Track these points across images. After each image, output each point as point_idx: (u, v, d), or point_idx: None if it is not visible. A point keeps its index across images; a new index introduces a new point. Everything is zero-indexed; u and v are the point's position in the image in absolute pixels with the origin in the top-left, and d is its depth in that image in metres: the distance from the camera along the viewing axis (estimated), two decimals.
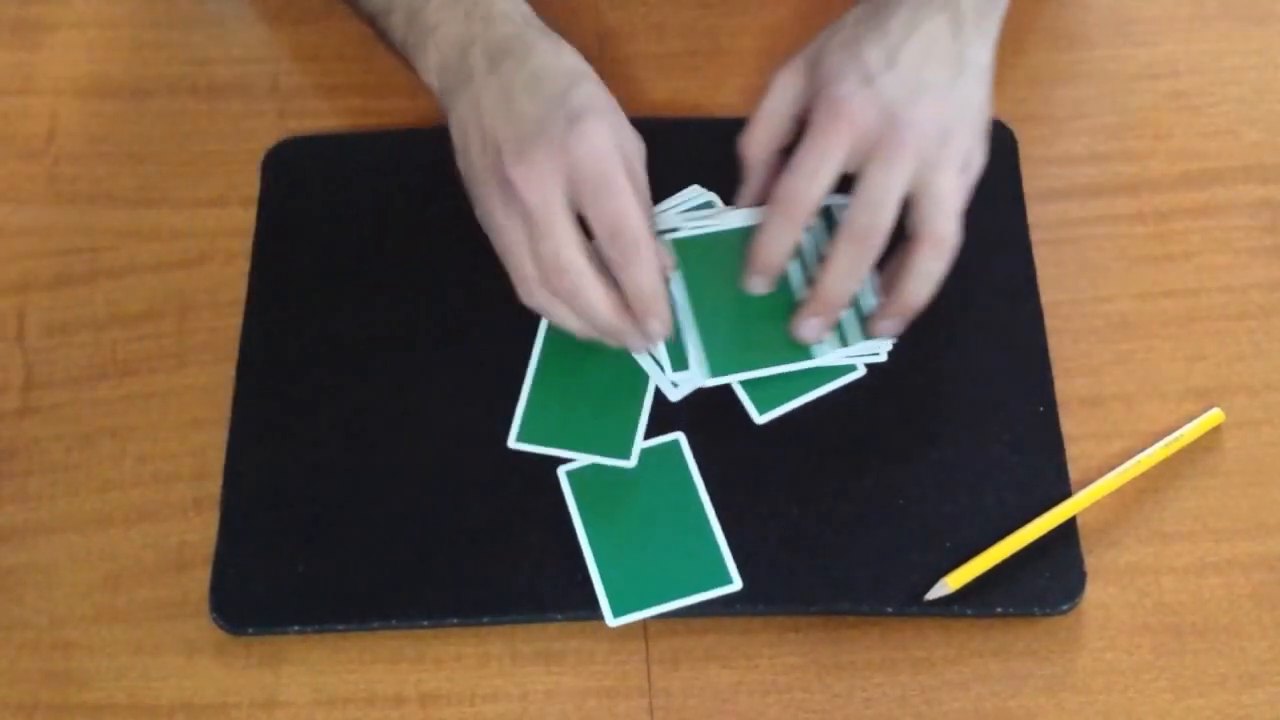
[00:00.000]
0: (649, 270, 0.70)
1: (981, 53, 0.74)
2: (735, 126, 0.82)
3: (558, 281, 0.70)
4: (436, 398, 0.76)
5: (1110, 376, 0.77)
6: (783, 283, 0.75)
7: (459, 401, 0.75)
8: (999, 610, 0.70)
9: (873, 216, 0.70)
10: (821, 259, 0.73)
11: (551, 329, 0.75)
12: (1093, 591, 0.71)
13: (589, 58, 0.87)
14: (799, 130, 0.73)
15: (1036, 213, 0.81)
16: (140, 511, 0.74)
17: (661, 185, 0.80)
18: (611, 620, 0.69)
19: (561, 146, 0.69)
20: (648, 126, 0.82)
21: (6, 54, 0.89)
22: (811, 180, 0.70)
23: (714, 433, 0.74)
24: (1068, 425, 0.74)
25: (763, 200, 0.74)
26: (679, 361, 0.74)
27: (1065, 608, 0.70)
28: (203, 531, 0.73)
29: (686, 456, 0.73)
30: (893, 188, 0.70)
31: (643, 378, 0.74)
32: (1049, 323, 0.77)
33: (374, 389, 0.76)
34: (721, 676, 0.70)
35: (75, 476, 0.75)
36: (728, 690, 0.70)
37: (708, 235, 0.77)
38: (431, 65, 0.75)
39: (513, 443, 0.73)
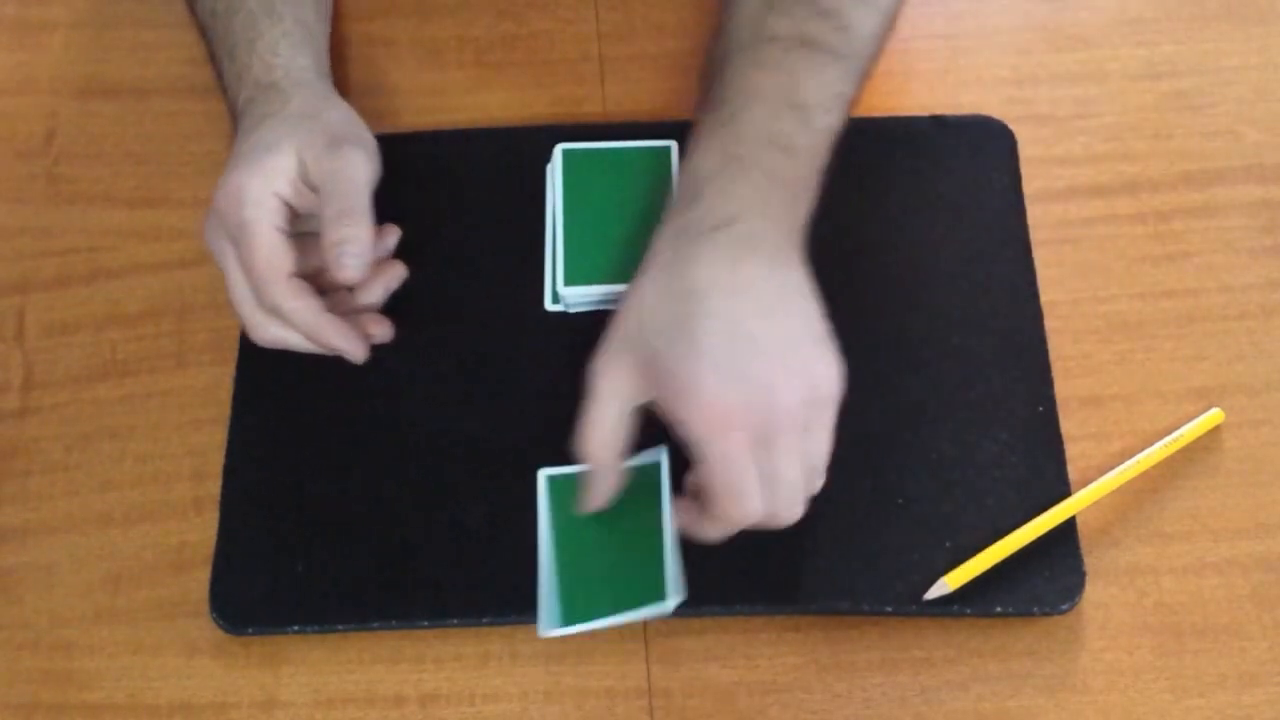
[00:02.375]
0: (296, 313, 0.71)
1: (797, 277, 0.67)
2: None
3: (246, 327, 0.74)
4: (435, 398, 0.76)
5: (1110, 376, 0.77)
6: (655, 204, 0.73)
7: (459, 402, 0.75)
8: (998, 610, 0.70)
9: (788, 507, 0.66)
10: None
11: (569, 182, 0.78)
12: (1092, 591, 0.71)
13: (589, 58, 0.87)
14: (636, 423, 0.68)
15: (1036, 213, 0.81)
16: (140, 511, 0.74)
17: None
18: (544, 630, 0.68)
19: (214, 205, 0.72)
20: (648, 127, 0.83)
21: (6, 54, 0.89)
22: (751, 498, 0.65)
23: None
24: (1067, 425, 0.74)
25: (612, 496, 0.70)
26: (555, 295, 0.76)
27: (1065, 608, 0.70)
28: (202, 531, 0.73)
29: (664, 478, 0.70)
30: (798, 470, 0.65)
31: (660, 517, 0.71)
32: (1049, 323, 0.77)
33: (373, 389, 0.76)
34: (721, 676, 0.70)
35: (75, 476, 0.76)
36: (728, 690, 0.70)
37: (595, 150, 0.79)
38: (230, 118, 0.79)
39: (563, 287, 0.75)
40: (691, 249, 0.66)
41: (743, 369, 0.64)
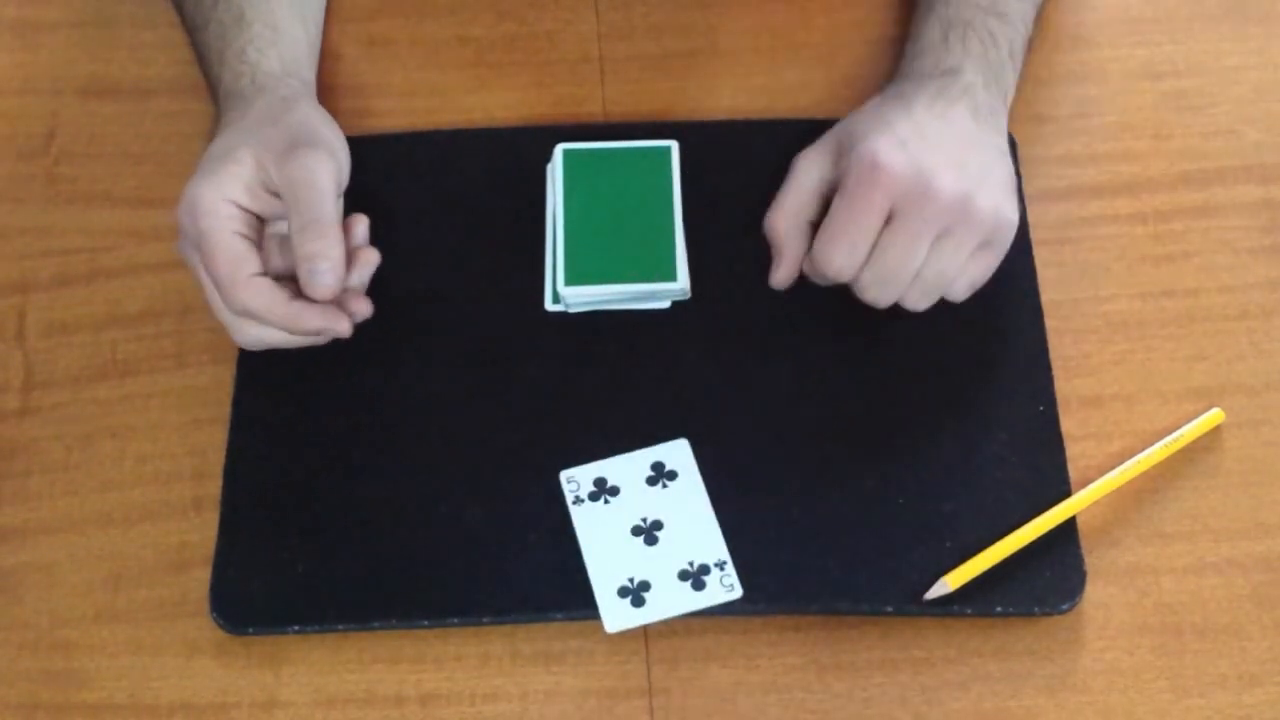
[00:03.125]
0: (267, 309, 0.71)
1: (1000, 139, 0.76)
2: (735, 127, 0.83)
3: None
4: (436, 398, 0.76)
5: (1110, 376, 0.77)
6: (655, 204, 0.77)
7: (459, 401, 0.75)
8: (999, 610, 0.70)
9: (883, 289, 0.73)
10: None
11: (570, 182, 0.78)
12: (1092, 591, 0.71)
13: (589, 58, 0.87)
14: (824, 209, 0.74)
15: (1037, 213, 0.81)
16: (140, 511, 0.74)
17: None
18: (559, 298, 0.74)
19: (178, 218, 0.72)
20: (648, 127, 0.83)
21: (6, 54, 0.89)
22: (853, 252, 0.72)
23: (715, 434, 0.74)
24: (1068, 425, 0.74)
25: (797, 273, 0.76)
26: (556, 295, 0.77)
27: (1065, 607, 0.70)
28: (203, 531, 0.73)
29: (674, 164, 0.78)
30: (909, 260, 0.72)
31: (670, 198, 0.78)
32: (1049, 323, 0.77)
33: (374, 389, 0.76)
34: (721, 676, 0.70)
35: (75, 476, 0.75)
36: (728, 690, 0.70)
37: (596, 150, 0.79)
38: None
39: (563, 287, 0.76)
40: (914, 87, 0.76)
41: (918, 152, 0.72)
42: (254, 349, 0.74)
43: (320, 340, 0.74)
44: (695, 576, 0.70)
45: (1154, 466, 0.74)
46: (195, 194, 0.71)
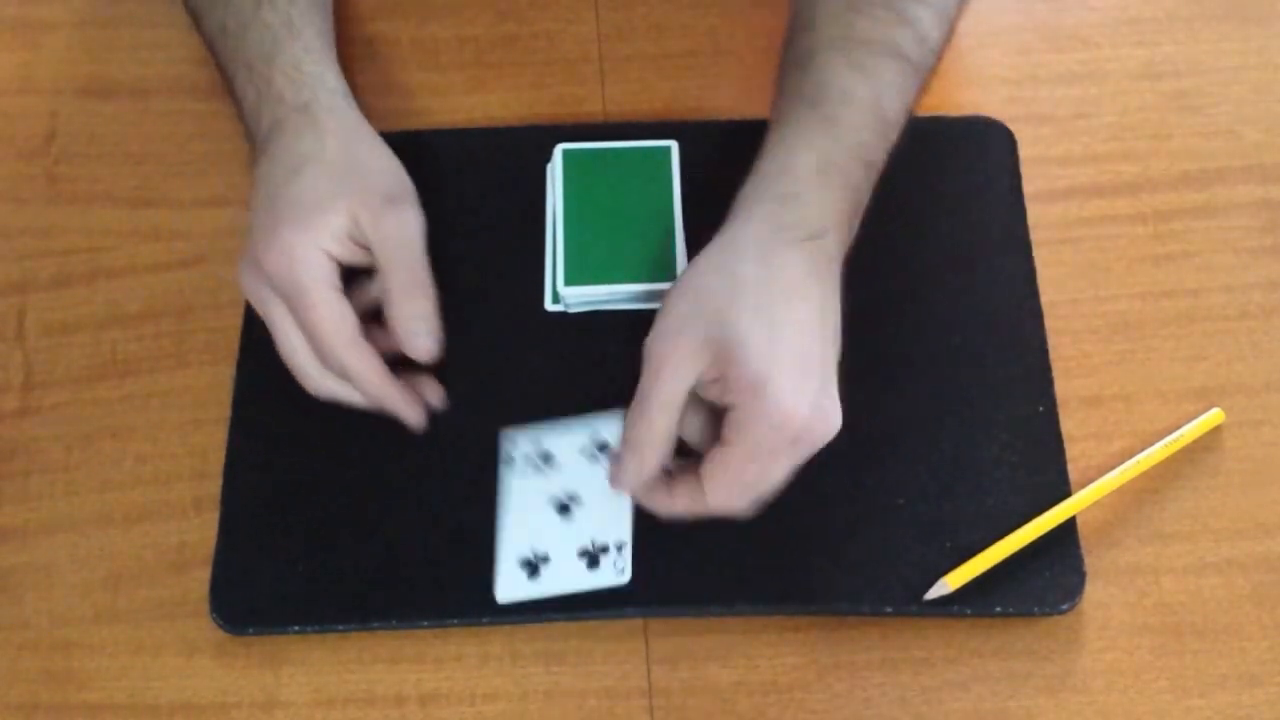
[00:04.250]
0: (363, 377, 0.70)
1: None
2: (735, 128, 0.83)
3: (304, 385, 0.73)
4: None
5: (1110, 376, 0.77)
6: (655, 204, 0.77)
7: (460, 400, 0.75)
8: (999, 610, 0.70)
9: (746, 502, 0.67)
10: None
11: (569, 182, 0.78)
12: (1092, 591, 0.71)
13: (589, 59, 0.87)
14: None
15: (1036, 213, 0.81)
16: (140, 511, 0.74)
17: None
18: (559, 297, 0.74)
19: (257, 265, 0.70)
20: (648, 127, 0.83)
21: (6, 54, 0.89)
22: (767, 482, 0.67)
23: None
24: (1068, 425, 0.74)
25: (650, 479, 0.69)
26: (556, 295, 0.77)
27: (1065, 608, 0.70)
28: (202, 531, 0.73)
29: (674, 163, 0.78)
30: (745, 478, 0.66)
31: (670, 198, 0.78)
32: (1049, 323, 0.77)
33: None
34: (721, 676, 0.70)
35: (75, 476, 0.76)
36: (728, 690, 0.70)
37: (596, 150, 0.79)
38: (246, 134, 0.77)
39: (563, 287, 0.75)
40: (786, 254, 0.67)
41: (811, 388, 0.65)
42: (322, 399, 0.73)
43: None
44: (592, 556, 0.70)
45: (1154, 467, 0.74)
46: (292, 241, 0.69)
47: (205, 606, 0.71)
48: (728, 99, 0.86)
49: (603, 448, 0.71)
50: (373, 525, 0.73)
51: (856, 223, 0.71)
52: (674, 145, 0.79)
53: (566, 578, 0.69)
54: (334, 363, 0.70)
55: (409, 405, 0.72)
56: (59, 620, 0.72)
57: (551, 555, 0.70)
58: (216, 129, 0.85)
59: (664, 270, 0.76)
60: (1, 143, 0.86)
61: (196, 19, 0.82)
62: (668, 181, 0.78)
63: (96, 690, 0.71)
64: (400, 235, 0.71)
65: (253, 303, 0.72)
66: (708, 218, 0.78)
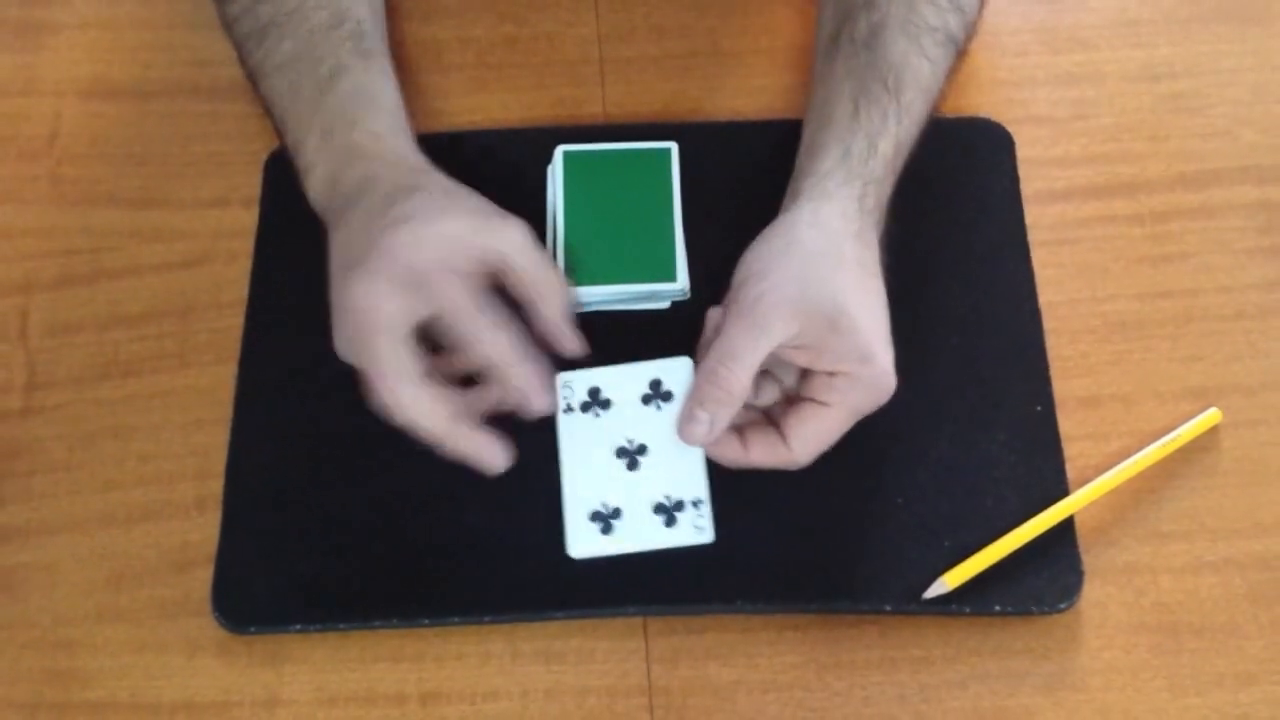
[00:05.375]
0: (418, 423, 0.68)
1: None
2: (735, 128, 0.83)
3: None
4: None
5: (1108, 376, 0.77)
6: (655, 205, 0.78)
7: None
8: (997, 609, 0.70)
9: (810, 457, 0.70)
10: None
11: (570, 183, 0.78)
12: (1090, 590, 0.71)
13: (589, 60, 0.87)
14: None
15: (1035, 214, 0.81)
16: (142, 511, 0.75)
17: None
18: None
19: (342, 311, 0.68)
20: (648, 128, 0.83)
21: (9, 55, 0.89)
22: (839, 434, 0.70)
23: None
24: (1066, 425, 0.75)
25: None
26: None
27: (1063, 606, 0.70)
28: (205, 531, 0.73)
29: (674, 165, 0.78)
30: (834, 436, 0.70)
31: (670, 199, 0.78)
32: (1047, 323, 0.78)
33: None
34: (721, 675, 0.70)
35: (78, 476, 0.76)
36: (728, 689, 0.70)
37: (596, 151, 0.79)
38: (312, 198, 0.74)
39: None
40: (872, 237, 0.72)
41: (892, 358, 0.69)
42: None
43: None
44: (669, 512, 0.69)
45: (1151, 466, 0.74)
46: (418, 245, 0.68)
47: (207, 605, 0.71)
48: (728, 100, 0.86)
49: (663, 395, 0.71)
50: (373, 525, 0.73)
51: (893, 175, 0.75)
52: (673, 147, 0.79)
53: (643, 535, 0.68)
54: (394, 415, 0.68)
55: (479, 448, 0.69)
56: (62, 619, 0.72)
57: (624, 510, 0.69)
58: (219, 130, 0.85)
59: (664, 270, 0.76)
60: (4, 143, 0.86)
61: (252, 64, 0.79)
62: (667, 183, 0.79)
63: (99, 689, 0.71)
64: (519, 247, 0.70)
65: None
66: (707, 218, 0.79)
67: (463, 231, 0.69)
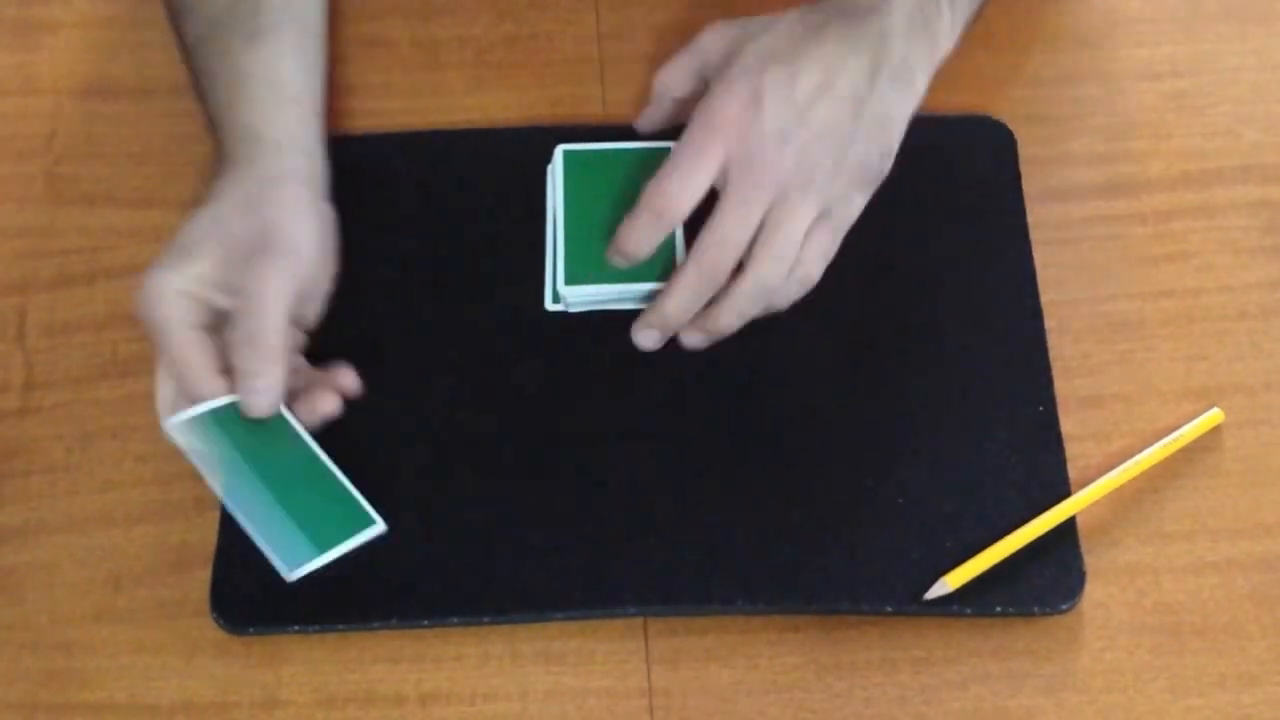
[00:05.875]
0: (200, 396, 0.70)
1: (892, 104, 0.72)
2: None
3: None
4: (435, 397, 0.76)
5: (1110, 376, 0.77)
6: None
7: (458, 401, 0.76)
8: (998, 610, 0.70)
9: (721, 253, 0.70)
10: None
11: (570, 181, 0.78)
12: (1092, 591, 0.71)
13: (589, 59, 0.87)
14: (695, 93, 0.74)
15: (1036, 213, 0.81)
16: (141, 511, 0.75)
17: None
18: (560, 292, 0.74)
19: (136, 295, 0.71)
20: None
21: (7, 54, 0.89)
22: (684, 184, 0.70)
23: (714, 433, 0.74)
24: (1067, 425, 0.75)
25: (660, 126, 0.78)
26: (556, 294, 0.77)
27: (1064, 607, 0.70)
28: (203, 531, 0.73)
29: None
30: (743, 224, 0.70)
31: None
32: (1049, 323, 0.77)
33: (373, 389, 0.76)
34: (721, 676, 0.70)
35: (76, 476, 0.76)
36: (728, 690, 0.70)
37: (596, 151, 0.79)
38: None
39: (563, 286, 0.75)
40: (826, 20, 0.71)
41: (767, 116, 0.69)
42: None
43: None
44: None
45: (1153, 466, 0.74)
46: (154, 281, 0.70)
47: (206, 606, 0.71)
48: None
49: None
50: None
51: (948, 15, 0.73)
52: (674, 146, 0.79)
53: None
54: (194, 396, 0.70)
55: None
56: (60, 620, 0.72)
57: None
58: None
59: (665, 270, 0.76)
60: (2, 143, 0.86)
61: (177, 25, 0.82)
62: None
63: (97, 690, 0.71)
64: (253, 289, 0.70)
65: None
66: (707, 217, 0.79)
67: (204, 274, 0.70)
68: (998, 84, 0.86)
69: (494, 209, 0.81)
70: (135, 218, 0.83)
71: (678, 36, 0.87)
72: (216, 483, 0.71)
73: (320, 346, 0.76)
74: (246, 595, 0.71)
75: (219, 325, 0.71)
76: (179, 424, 0.70)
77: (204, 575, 0.72)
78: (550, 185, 0.80)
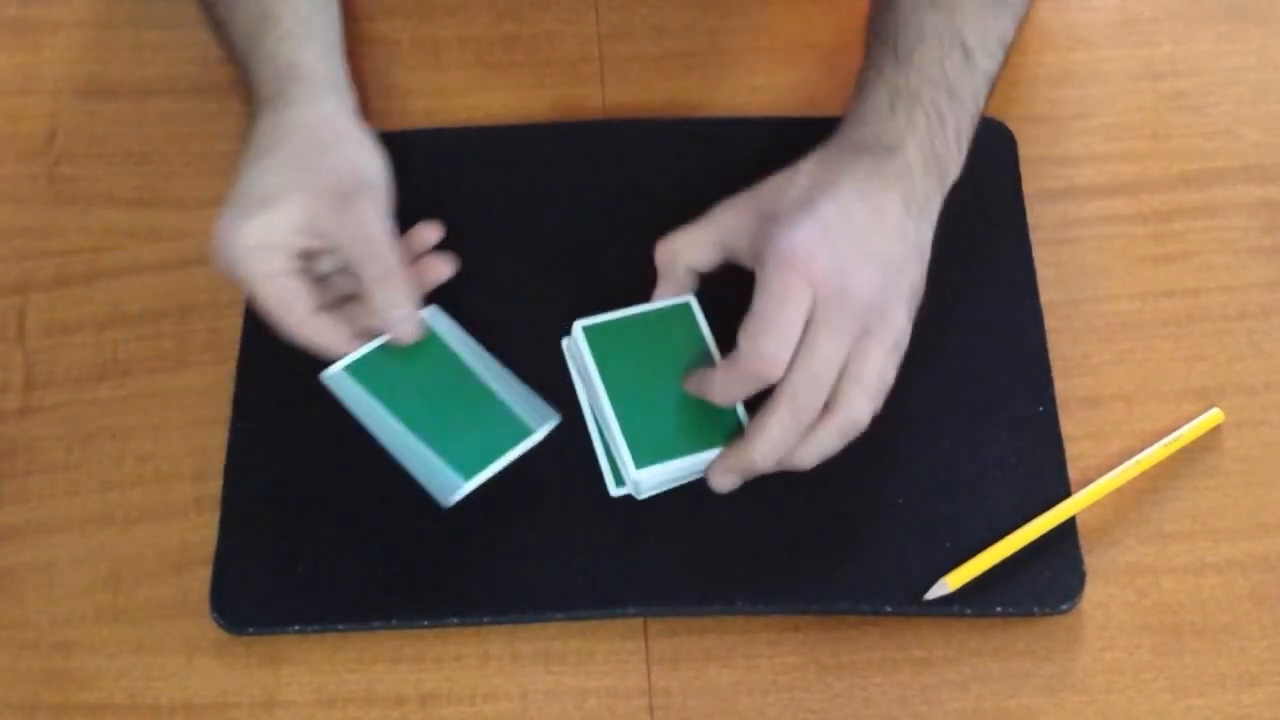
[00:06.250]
0: (327, 348, 0.72)
1: (925, 233, 0.71)
2: (735, 127, 0.83)
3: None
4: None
5: (1110, 376, 0.77)
6: (694, 363, 0.72)
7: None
8: (998, 610, 0.70)
9: (816, 390, 0.67)
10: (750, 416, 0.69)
11: (601, 357, 0.73)
12: (1092, 591, 0.71)
13: (589, 58, 0.87)
14: (714, 264, 0.72)
15: (1036, 213, 0.81)
16: (141, 511, 0.75)
17: (660, 184, 0.81)
18: (627, 477, 0.70)
19: (212, 238, 0.72)
20: (648, 127, 0.83)
21: (7, 54, 0.89)
22: (782, 342, 0.66)
23: None
24: (1067, 425, 0.74)
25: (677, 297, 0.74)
26: (620, 477, 0.72)
27: (1065, 607, 0.70)
28: (203, 531, 0.73)
29: (699, 318, 0.73)
30: (837, 359, 0.67)
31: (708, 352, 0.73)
32: (1049, 323, 0.77)
33: None
34: (721, 676, 0.70)
35: (76, 476, 0.76)
36: (728, 690, 0.70)
37: (616, 321, 0.73)
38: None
39: (635, 471, 0.70)
40: (848, 160, 0.71)
41: (841, 244, 0.68)
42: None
43: None
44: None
45: (1153, 467, 0.74)
46: (237, 230, 0.71)
47: (206, 606, 0.71)
48: (727, 98, 0.86)
49: None
50: (373, 525, 0.73)
51: (953, 146, 0.73)
52: (691, 300, 0.74)
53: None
54: (298, 341, 0.71)
55: (398, 329, 0.73)
56: (59, 620, 0.72)
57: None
58: (217, 129, 0.85)
59: (731, 429, 0.71)
60: (2, 143, 0.86)
61: (203, 13, 0.82)
62: (699, 337, 0.74)
63: (97, 690, 0.71)
64: (360, 230, 0.72)
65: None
66: None
67: (292, 222, 0.71)
68: (998, 84, 0.85)
69: (494, 208, 0.81)
70: (135, 217, 0.83)
71: (678, 36, 0.88)
72: (373, 427, 0.72)
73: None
74: (246, 595, 0.71)
75: (306, 268, 0.72)
76: (333, 375, 0.72)
77: (204, 575, 0.72)
78: (575, 363, 0.75)
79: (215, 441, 0.75)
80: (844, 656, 0.70)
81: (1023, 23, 0.77)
